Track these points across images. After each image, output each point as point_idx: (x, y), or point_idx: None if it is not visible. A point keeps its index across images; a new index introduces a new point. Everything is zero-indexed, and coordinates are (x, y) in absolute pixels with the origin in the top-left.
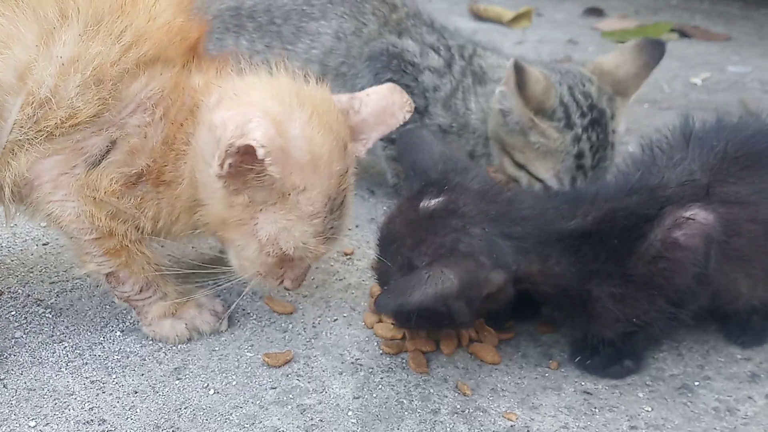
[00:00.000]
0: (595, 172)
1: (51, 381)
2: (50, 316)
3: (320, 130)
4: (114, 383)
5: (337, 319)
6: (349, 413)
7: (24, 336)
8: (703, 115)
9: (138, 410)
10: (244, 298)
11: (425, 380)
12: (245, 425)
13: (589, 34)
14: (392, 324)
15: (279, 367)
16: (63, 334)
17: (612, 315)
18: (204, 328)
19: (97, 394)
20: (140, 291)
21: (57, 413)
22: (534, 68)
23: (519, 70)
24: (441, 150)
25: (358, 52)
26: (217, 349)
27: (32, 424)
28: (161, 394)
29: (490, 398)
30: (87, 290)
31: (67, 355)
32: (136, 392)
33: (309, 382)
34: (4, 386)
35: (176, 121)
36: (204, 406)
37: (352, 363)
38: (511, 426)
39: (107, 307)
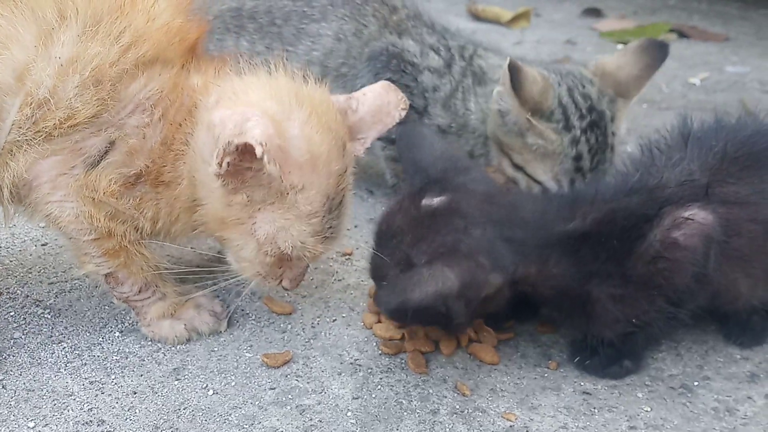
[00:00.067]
0: (594, 175)
1: (50, 382)
2: (49, 316)
3: (319, 130)
4: (113, 384)
5: (336, 320)
6: (348, 414)
7: (23, 336)
8: (702, 115)
9: (137, 411)
10: (243, 298)
11: (424, 380)
12: (244, 426)
13: (587, 34)
14: (390, 322)
15: (278, 367)
16: (62, 334)
17: (611, 315)
18: (203, 328)
19: (96, 395)
20: (139, 291)
21: (56, 414)
22: (532, 68)
23: (514, 70)
24: (442, 148)
25: (358, 52)
26: (216, 349)
27: (31, 425)
28: (160, 394)
29: (489, 398)
30: (86, 291)
31: (66, 356)
32: (135, 393)
33: (308, 383)
34: (3, 387)
35: (175, 122)
36: (203, 407)
37: (351, 363)
38: (510, 426)
39: (106, 307)
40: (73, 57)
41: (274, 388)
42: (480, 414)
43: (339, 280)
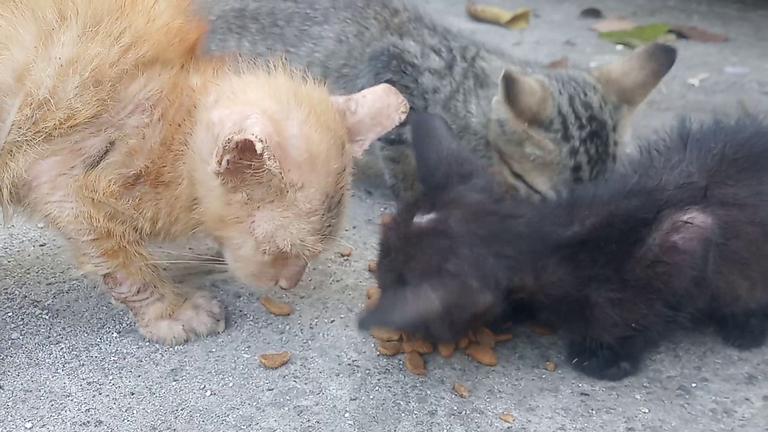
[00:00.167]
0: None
1: (47, 382)
2: (47, 317)
3: (318, 129)
4: (111, 384)
5: (334, 321)
6: (346, 415)
7: (21, 337)
8: (701, 116)
9: (135, 412)
10: (241, 299)
11: (422, 382)
12: (242, 427)
13: (586, 35)
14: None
15: (276, 368)
16: (60, 335)
17: (610, 320)
18: (201, 329)
19: (94, 396)
20: (137, 292)
21: (53, 415)
22: (530, 78)
23: (509, 82)
24: (450, 147)
25: (359, 53)
26: (213, 350)
27: (29, 425)
28: (158, 395)
29: (487, 400)
30: (84, 291)
31: (64, 357)
32: (132, 394)
33: (306, 384)
34: (0, 387)
35: (174, 122)
36: (201, 408)
37: (349, 364)
38: (508, 428)
39: (104, 308)
40: (73, 57)
41: (271, 389)
42: (478, 415)
43: (337, 281)
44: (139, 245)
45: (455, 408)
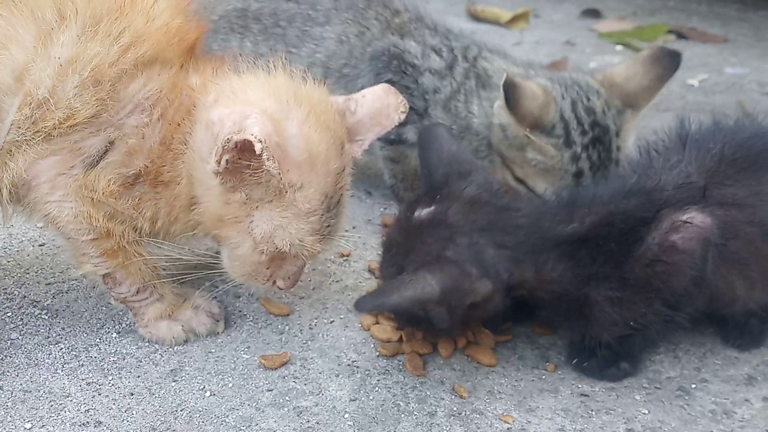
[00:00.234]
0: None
1: (47, 383)
2: (46, 317)
3: (317, 129)
4: (110, 385)
5: (333, 321)
6: (346, 415)
7: (20, 337)
8: (701, 116)
9: (134, 412)
10: (241, 299)
11: (422, 382)
12: (241, 427)
13: (586, 35)
14: (388, 324)
15: (275, 369)
16: (59, 335)
17: (609, 318)
18: (200, 329)
19: (93, 396)
20: (137, 292)
21: (53, 415)
22: (532, 82)
23: (510, 88)
24: (450, 150)
25: (360, 53)
26: (213, 350)
27: (28, 426)
28: (157, 396)
29: (487, 401)
30: (83, 292)
31: (63, 357)
32: (132, 394)
33: (305, 384)
34: (0, 388)
35: (174, 121)
36: (200, 408)
37: (349, 365)
38: (508, 428)
39: (103, 308)
40: (72, 57)
41: (271, 390)
42: (477, 416)
43: (337, 282)
44: (138, 245)
45: (455, 409)
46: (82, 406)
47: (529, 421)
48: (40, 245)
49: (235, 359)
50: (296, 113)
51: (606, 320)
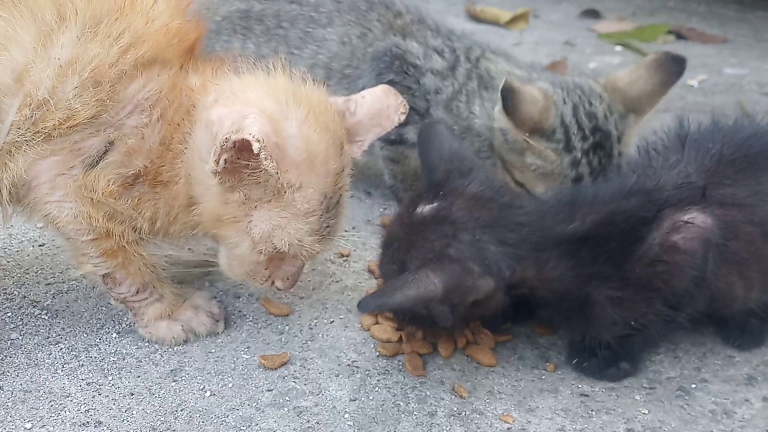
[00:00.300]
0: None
1: (47, 383)
2: (46, 317)
3: (316, 129)
4: (110, 385)
5: (333, 321)
6: (346, 416)
7: (20, 338)
8: (700, 117)
9: (134, 412)
10: (241, 299)
11: (422, 382)
12: (241, 427)
13: (586, 35)
14: (388, 324)
15: (275, 369)
16: (59, 335)
17: (610, 318)
18: (200, 330)
19: (93, 396)
20: (137, 292)
21: (53, 415)
22: (532, 86)
23: (509, 92)
24: (451, 148)
25: (362, 53)
26: (213, 351)
27: (28, 426)
28: (157, 396)
29: (487, 401)
30: (83, 292)
31: (63, 357)
32: (132, 394)
33: (305, 385)
34: (0, 388)
35: (173, 122)
36: (200, 408)
37: (349, 365)
38: (508, 428)
39: (103, 308)
40: (72, 58)
41: (271, 390)
42: (477, 416)
43: (336, 282)
44: (138, 245)
45: (455, 409)
46: (82, 406)
47: (529, 421)
48: (40, 245)
49: (235, 359)
50: (295, 113)
51: (607, 320)
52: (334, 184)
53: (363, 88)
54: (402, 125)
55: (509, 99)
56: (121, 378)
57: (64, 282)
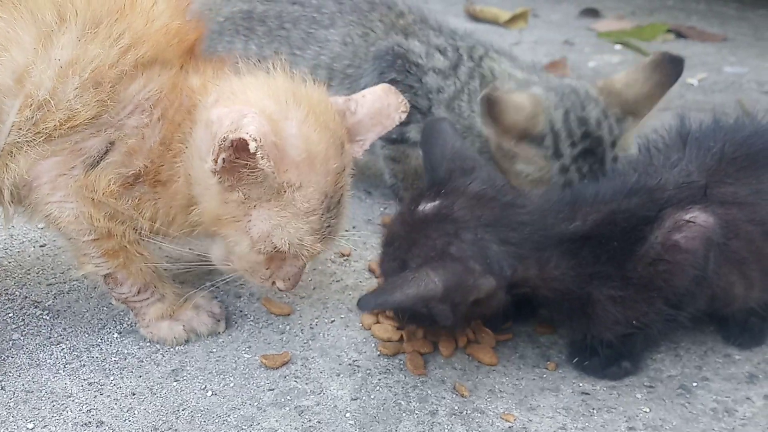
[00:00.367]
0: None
1: (49, 383)
2: (48, 318)
3: (316, 129)
4: (112, 385)
5: (334, 321)
6: (347, 415)
7: (21, 338)
8: (700, 115)
9: (136, 412)
10: (242, 299)
11: (423, 381)
12: (243, 427)
13: (585, 34)
14: (389, 323)
15: (276, 368)
16: (60, 336)
17: (612, 317)
18: (201, 329)
19: (95, 396)
20: (138, 292)
21: (55, 415)
22: (518, 93)
23: (490, 103)
24: (454, 146)
25: (364, 53)
26: (214, 350)
27: (30, 426)
28: (159, 395)
29: (488, 399)
30: (84, 292)
31: (65, 357)
32: (133, 394)
33: (306, 384)
34: (1, 388)
35: (174, 122)
36: (202, 408)
37: (350, 364)
38: (509, 427)
39: (105, 308)
40: (72, 59)
41: (272, 389)
42: (479, 415)
43: (337, 281)
44: (139, 245)
45: (456, 408)
46: (84, 406)
47: (531, 420)
48: (41, 246)
49: (237, 359)
50: (295, 113)
51: (608, 319)
52: (335, 184)
53: (365, 87)
54: (404, 124)
55: (490, 107)
56: (122, 378)
57: (65, 282)
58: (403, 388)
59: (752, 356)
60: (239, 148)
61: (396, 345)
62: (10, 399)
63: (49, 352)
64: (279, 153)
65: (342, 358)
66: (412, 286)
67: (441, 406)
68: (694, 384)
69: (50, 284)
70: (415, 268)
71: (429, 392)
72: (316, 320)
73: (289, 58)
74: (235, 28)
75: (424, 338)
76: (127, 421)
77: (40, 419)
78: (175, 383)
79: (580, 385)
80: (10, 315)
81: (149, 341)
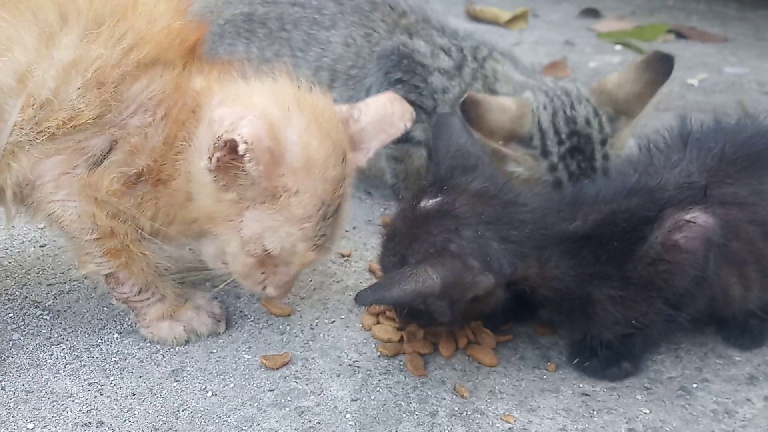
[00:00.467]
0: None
1: (49, 383)
2: (48, 318)
3: (318, 136)
4: (112, 385)
5: (334, 321)
6: (347, 415)
7: (22, 338)
8: (701, 116)
9: (136, 412)
10: (242, 300)
11: (423, 382)
12: (243, 427)
13: (585, 35)
14: (389, 324)
15: (277, 369)
16: (61, 336)
17: (611, 317)
18: (202, 330)
19: (95, 397)
20: (139, 292)
21: (55, 415)
22: (501, 96)
23: (469, 106)
24: (458, 143)
25: (368, 53)
26: (214, 351)
27: (30, 426)
28: (159, 396)
29: (488, 400)
30: (85, 292)
31: (65, 357)
32: (134, 394)
33: (307, 384)
34: (2, 388)
35: (178, 121)
36: (202, 408)
37: (350, 365)
38: (509, 428)
39: (105, 309)
40: (75, 59)
41: (272, 390)
42: (479, 416)
43: (337, 282)
44: (141, 245)
45: (456, 409)
46: (84, 407)
47: (531, 421)
48: (42, 246)
49: (237, 359)
50: (298, 120)
51: (608, 319)
52: (333, 192)
53: (369, 87)
54: (404, 132)
55: (470, 110)
56: (122, 378)
57: (65, 282)
58: (403, 389)
59: (752, 358)
60: (232, 148)
61: (396, 346)
62: (10, 399)
63: (50, 353)
64: (273, 158)
65: (342, 358)
66: (410, 282)
67: (441, 407)
68: (695, 385)
69: (50, 284)
70: (414, 264)
71: (429, 393)
72: (317, 321)
73: (290, 61)
74: (237, 30)
75: (425, 339)
76: (127, 421)
77: (40, 419)
78: (175, 384)
79: (581, 386)
80: (11, 315)
81: (149, 341)
